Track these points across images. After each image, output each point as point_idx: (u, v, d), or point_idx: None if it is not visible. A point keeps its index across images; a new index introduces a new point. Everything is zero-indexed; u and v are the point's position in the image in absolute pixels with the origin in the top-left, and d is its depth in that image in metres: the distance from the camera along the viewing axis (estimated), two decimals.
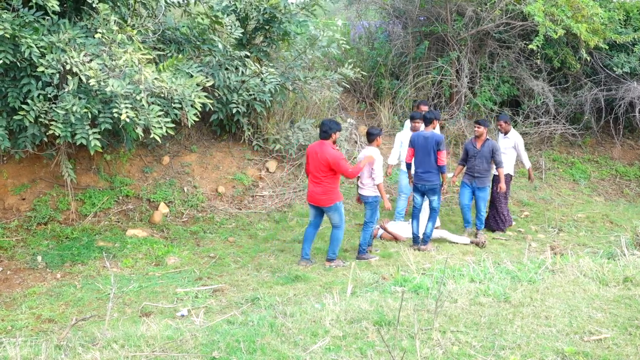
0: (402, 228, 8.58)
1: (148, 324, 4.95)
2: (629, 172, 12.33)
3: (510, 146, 9.05)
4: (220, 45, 8.49)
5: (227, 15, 8.81)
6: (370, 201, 7.41)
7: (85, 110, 6.79)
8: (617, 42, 11.65)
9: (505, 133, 9.10)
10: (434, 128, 8.00)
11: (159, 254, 7.60)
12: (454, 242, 8.30)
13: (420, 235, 8.08)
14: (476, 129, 8.50)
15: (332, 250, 7.35)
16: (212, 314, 5.64)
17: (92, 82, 6.34)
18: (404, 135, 8.99)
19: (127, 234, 8.11)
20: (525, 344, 4.35)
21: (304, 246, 7.39)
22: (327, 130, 7.08)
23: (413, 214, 8.12)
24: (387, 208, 7.44)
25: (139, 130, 6.84)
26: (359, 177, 7.46)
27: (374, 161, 7.29)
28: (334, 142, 7.21)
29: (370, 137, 7.41)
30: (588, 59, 11.60)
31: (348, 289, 5.79)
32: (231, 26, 8.53)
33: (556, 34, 10.74)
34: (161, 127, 6.72)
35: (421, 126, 8.40)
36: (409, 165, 8.23)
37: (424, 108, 9.12)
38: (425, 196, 8.00)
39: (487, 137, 8.53)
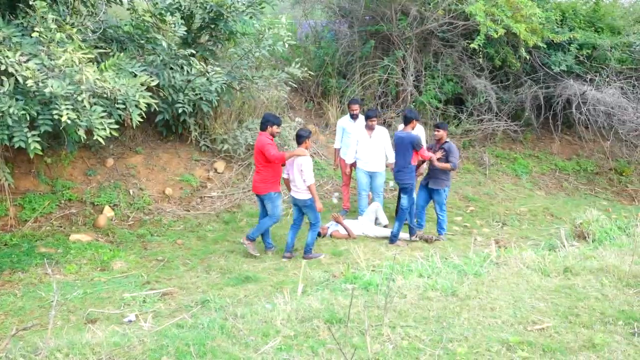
0: (354, 225, 8.65)
1: (94, 331, 4.81)
2: (568, 166, 12.82)
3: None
4: (164, 44, 8.34)
5: (172, 13, 8.66)
6: (308, 204, 7.40)
7: (23, 112, 6.54)
8: (554, 42, 12.09)
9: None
10: (412, 128, 8.11)
11: (104, 258, 7.41)
12: (404, 240, 8.42)
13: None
14: (435, 132, 8.56)
15: (253, 232, 7.59)
16: (160, 318, 5.54)
17: (29, 82, 6.11)
18: (345, 123, 9.29)
19: (70, 239, 7.87)
20: (472, 336, 4.47)
21: (262, 238, 7.75)
22: (264, 122, 7.41)
23: (398, 214, 8.32)
24: (319, 209, 7.43)
25: (81, 132, 6.65)
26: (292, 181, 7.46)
27: (304, 162, 7.24)
28: (273, 136, 7.42)
29: (300, 139, 7.37)
30: (527, 57, 12.01)
31: (299, 288, 5.80)
32: (175, 24, 8.39)
33: (497, 34, 11.06)
34: (104, 129, 6.55)
35: (374, 124, 8.68)
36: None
37: (355, 107, 9.24)
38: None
39: (447, 139, 8.58)
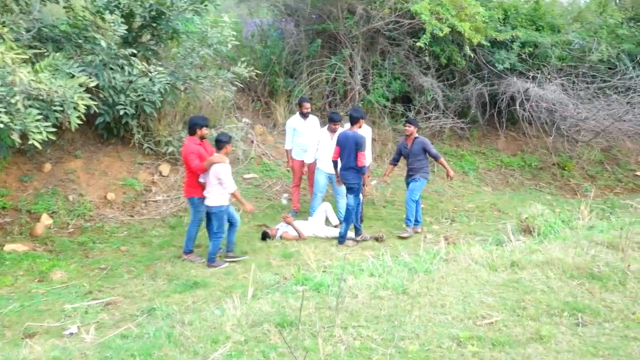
0: (304, 226, 8.64)
1: (32, 346, 4.63)
2: (513, 162, 13.20)
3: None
4: (103, 44, 8.12)
5: (111, 11, 8.44)
6: (215, 212, 7.27)
7: None
8: (498, 40, 12.42)
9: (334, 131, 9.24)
10: (359, 127, 8.15)
11: (42, 269, 7.15)
12: (355, 240, 8.47)
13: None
14: (406, 128, 8.80)
15: (185, 244, 7.61)
16: (104, 329, 5.38)
17: None
18: (295, 123, 9.29)
19: (4, 249, 7.56)
20: (423, 333, 4.52)
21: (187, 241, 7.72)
22: (192, 125, 7.37)
23: (345, 216, 8.31)
24: (249, 210, 7.43)
25: (15, 137, 6.40)
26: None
27: (222, 171, 7.14)
28: (202, 138, 7.41)
29: (219, 144, 7.28)
30: (472, 55, 12.29)
31: (249, 292, 5.74)
32: (115, 23, 8.19)
33: (442, 32, 11.28)
34: (40, 132, 6.33)
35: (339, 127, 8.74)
36: (335, 164, 8.36)
37: (307, 106, 9.27)
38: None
39: (417, 135, 8.81)
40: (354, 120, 8.15)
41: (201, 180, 7.37)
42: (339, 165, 8.26)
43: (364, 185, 8.17)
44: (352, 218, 8.23)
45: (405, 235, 8.59)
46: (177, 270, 7.24)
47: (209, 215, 7.42)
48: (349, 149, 7.98)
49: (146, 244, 8.24)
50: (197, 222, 7.60)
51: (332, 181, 8.98)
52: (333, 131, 8.78)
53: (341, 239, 8.24)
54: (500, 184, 12.46)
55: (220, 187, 7.17)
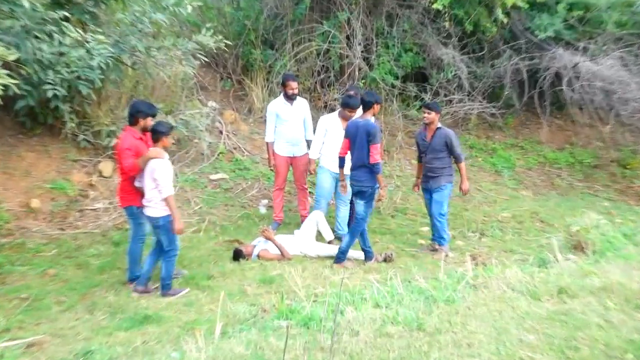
0: (290, 242, 8.61)
1: None
2: (559, 158, 13.23)
3: None
4: (25, 4, 8.04)
5: None
6: (161, 224, 7.19)
7: None
8: (538, 1, 12.44)
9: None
10: (373, 115, 8.16)
11: None
12: (355, 259, 8.43)
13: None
14: (425, 115, 8.68)
15: (129, 269, 7.59)
16: None
17: None
18: (278, 107, 9.29)
19: None
20: None
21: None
22: (133, 113, 7.31)
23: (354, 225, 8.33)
24: (178, 231, 7.22)
25: None
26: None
27: (158, 168, 7.05)
28: (145, 131, 7.35)
29: (156, 135, 7.19)
30: (505, 20, 12.31)
31: (216, 329, 5.69)
32: None
33: None
34: None
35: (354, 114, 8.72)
36: (342, 161, 8.37)
37: (293, 85, 9.26)
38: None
39: (440, 124, 8.71)
40: (366, 105, 8.12)
41: (137, 184, 7.30)
42: (343, 163, 8.31)
43: (379, 189, 8.12)
44: (358, 231, 8.21)
45: (441, 256, 8.51)
46: (122, 300, 7.19)
47: (154, 230, 7.36)
48: (360, 141, 7.94)
49: (82, 266, 8.16)
50: (140, 238, 7.56)
51: (338, 182, 8.99)
52: (347, 119, 8.74)
53: (340, 256, 8.20)
54: (543, 186, 12.49)
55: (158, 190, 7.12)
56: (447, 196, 8.83)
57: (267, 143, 9.57)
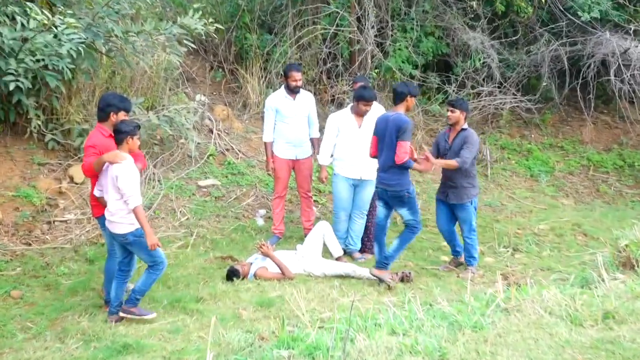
0: (291, 259, 8.64)
1: None
2: (606, 161, 13.23)
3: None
4: None
5: None
6: (131, 240, 7.17)
7: None
8: None
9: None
10: (407, 109, 8.16)
11: None
12: (368, 278, 8.47)
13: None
14: (450, 114, 8.62)
15: (106, 289, 7.58)
16: None
17: None
18: (278, 102, 9.38)
19: None
20: None
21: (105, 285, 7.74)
22: (103, 107, 7.36)
23: (375, 234, 8.40)
24: (152, 246, 7.12)
25: None
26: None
27: (121, 174, 7.01)
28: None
29: (118, 135, 7.18)
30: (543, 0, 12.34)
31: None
32: None
33: None
34: None
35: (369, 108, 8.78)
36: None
37: (297, 76, 9.29)
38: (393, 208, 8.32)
39: (466, 125, 8.65)
40: (400, 97, 8.10)
41: (97, 193, 7.30)
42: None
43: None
44: (408, 241, 8.39)
45: (467, 275, 8.52)
46: (98, 326, 7.20)
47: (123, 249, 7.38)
48: (389, 138, 7.97)
49: (51, 286, 8.20)
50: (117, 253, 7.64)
51: (357, 191, 9.05)
52: (362, 115, 8.76)
53: (385, 261, 8.30)
54: (586, 193, 12.49)
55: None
56: (474, 212, 8.85)
57: (265, 143, 9.61)
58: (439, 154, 8.80)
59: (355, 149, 8.88)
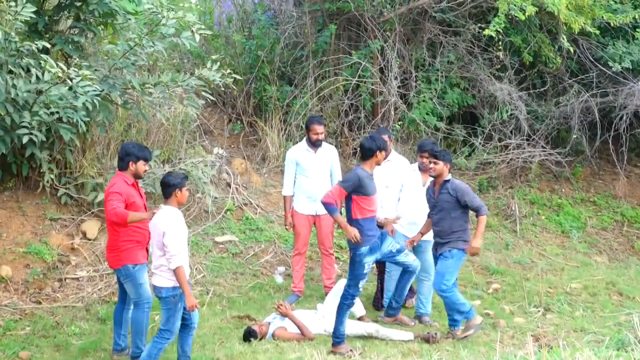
0: (311, 319, 8.58)
1: None
2: None
3: (396, 175, 9.31)
4: None
5: None
6: (164, 295, 7.21)
7: None
8: (612, 25, 12.47)
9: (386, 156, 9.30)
10: (376, 164, 8.05)
11: None
12: (391, 340, 8.39)
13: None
14: (432, 165, 8.48)
15: (135, 343, 7.58)
16: None
17: None
18: (299, 155, 9.47)
19: None
20: None
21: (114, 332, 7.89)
22: (122, 156, 7.63)
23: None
24: (191, 308, 7.22)
25: None
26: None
27: (169, 231, 7.06)
28: (138, 177, 7.71)
29: (166, 190, 7.24)
30: (572, 49, 12.33)
31: None
32: (17, 2, 8.32)
33: (524, 14, 11.35)
34: None
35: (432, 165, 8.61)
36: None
37: (319, 129, 9.31)
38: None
39: (450, 176, 8.52)
40: (366, 154, 7.99)
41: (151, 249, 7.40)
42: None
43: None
44: (347, 310, 8.17)
45: (464, 335, 8.43)
46: None
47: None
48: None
49: (61, 347, 8.18)
50: (146, 302, 7.59)
51: (419, 253, 8.93)
52: (428, 171, 8.70)
53: (336, 339, 8.08)
54: (621, 250, 12.36)
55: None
56: (456, 267, 8.55)
57: (284, 197, 9.63)
58: (429, 207, 8.74)
59: (420, 207, 8.92)
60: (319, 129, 9.35)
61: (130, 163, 7.54)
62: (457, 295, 8.58)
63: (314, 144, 9.34)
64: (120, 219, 7.36)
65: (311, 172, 9.29)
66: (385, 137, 9.35)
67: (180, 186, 7.20)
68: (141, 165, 7.59)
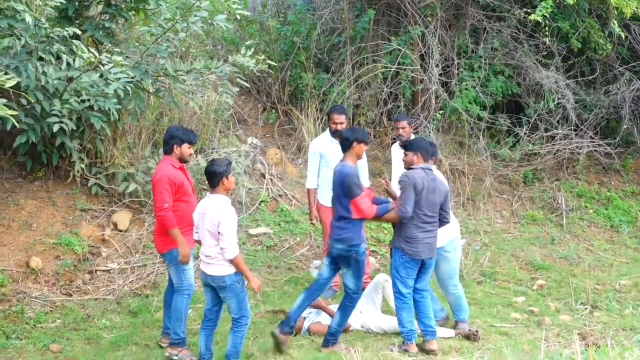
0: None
1: None
2: None
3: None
4: (28, 19, 8.32)
5: None
6: (228, 285, 7.23)
7: None
8: None
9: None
10: (357, 157, 7.97)
11: None
12: (385, 333, 8.40)
13: None
14: (403, 157, 8.29)
15: (173, 329, 7.71)
16: None
17: None
18: (323, 146, 9.48)
19: None
20: None
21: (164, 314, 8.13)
22: (167, 140, 7.82)
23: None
24: (258, 288, 7.35)
25: None
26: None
27: (224, 220, 7.11)
28: (184, 161, 7.84)
29: (213, 179, 7.24)
30: (623, 35, 12.22)
31: None
32: None
33: None
34: None
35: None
36: None
37: (340, 118, 9.30)
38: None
39: (419, 165, 8.10)
40: (345, 145, 7.91)
41: (195, 237, 7.46)
42: None
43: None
44: (351, 309, 8.07)
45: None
46: None
47: (214, 293, 7.44)
48: (339, 192, 7.89)
49: (92, 340, 8.29)
50: (187, 289, 7.72)
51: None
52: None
53: (329, 338, 7.95)
54: None
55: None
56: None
57: (308, 190, 9.67)
58: None
59: None
60: (339, 118, 9.33)
61: (175, 146, 7.67)
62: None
63: (336, 135, 9.33)
64: (167, 225, 7.53)
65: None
66: (405, 123, 9.38)
67: (226, 173, 7.23)
68: (186, 149, 7.70)
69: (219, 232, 7.06)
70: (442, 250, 8.38)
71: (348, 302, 7.99)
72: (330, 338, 7.97)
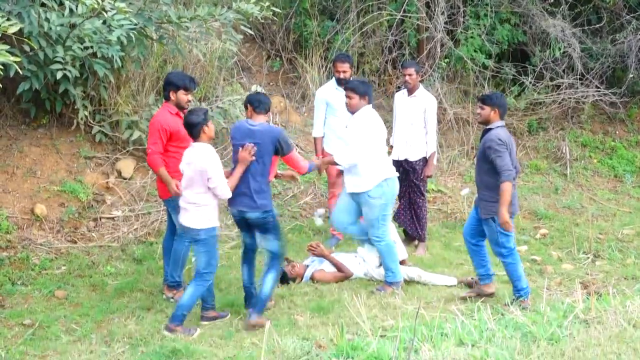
0: (351, 262, 8.63)
1: None
2: None
3: (420, 112, 9.38)
4: None
5: None
6: (202, 238, 7.23)
7: None
8: None
9: (411, 91, 9.37)
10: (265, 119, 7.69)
11: None
12: (434, 285, 8.45)
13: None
14: (479, 110, 7.88)
15: (170, 272, 7.91)
16: None
17: None
18: (328, 94, 9.48)
19: None
20: None
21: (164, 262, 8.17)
22: (164, 86, 7.89)
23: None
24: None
25: None
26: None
27: (210, 167, 7.08)
28: (182, 108, 7.70)
29: (192, 130, 7.16)
30: None
31: None
32: None
33: None
34: None
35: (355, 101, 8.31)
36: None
37: (343, 67, 9.31)
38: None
39: (496, 124, 7.76)
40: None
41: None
42: None
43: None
44: (278, 269, 7.79)
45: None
46: (146, 329, 7.29)
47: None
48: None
49: (96, 287, 8.35)
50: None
51: None
52: (352, 108, 8.38)
53: (259, 305, 7.53)
54: None
55: (209, 194, 7.19)
56: (501, 235, 7.69)
57: (314, 139, 9.71)
58: None
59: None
60: (343, 66, 9.32)
61: (171, 92, 7.69)
62: (517, 268, 7.92)
63: (341, 82, 9.29)
64: (152, 166, 7.69)
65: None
66: (412, 70, 9.34)
67: (205, 122, 7.17)
68: (182, 95, 7.69)
69: (208, 179, 7.09)
70: (366, 195, 8.12)
71: (275, 263, 7.75)
72: (259, 305, 7.55)
